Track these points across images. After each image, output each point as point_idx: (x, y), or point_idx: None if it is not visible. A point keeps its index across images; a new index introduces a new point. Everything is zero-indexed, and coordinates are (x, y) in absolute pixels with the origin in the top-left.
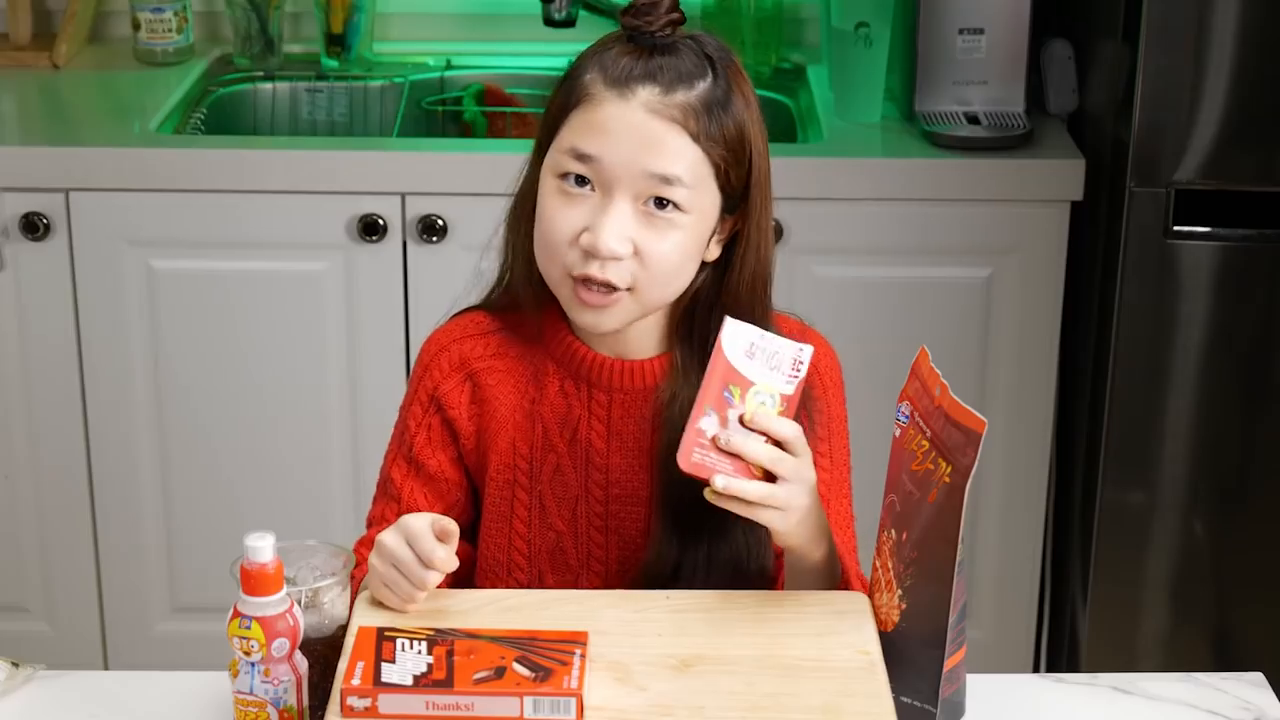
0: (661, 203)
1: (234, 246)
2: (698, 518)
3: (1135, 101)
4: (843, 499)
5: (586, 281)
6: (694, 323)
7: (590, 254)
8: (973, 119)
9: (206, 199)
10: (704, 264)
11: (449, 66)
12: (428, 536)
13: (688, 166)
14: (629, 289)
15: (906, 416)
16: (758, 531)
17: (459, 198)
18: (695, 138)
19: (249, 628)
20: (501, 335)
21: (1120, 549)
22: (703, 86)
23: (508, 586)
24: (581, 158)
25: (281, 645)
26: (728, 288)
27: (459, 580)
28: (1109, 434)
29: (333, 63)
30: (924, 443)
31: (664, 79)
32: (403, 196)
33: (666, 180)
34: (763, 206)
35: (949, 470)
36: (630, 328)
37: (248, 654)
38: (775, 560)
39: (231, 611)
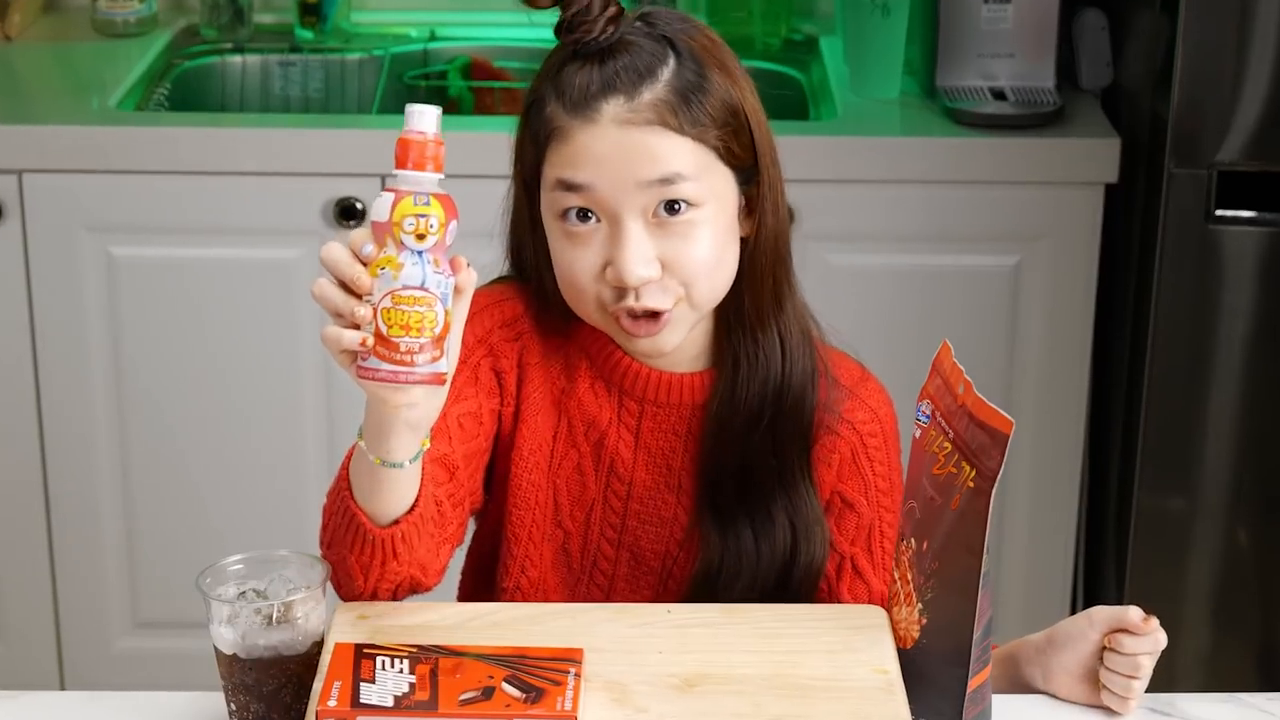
0: (672, 207)
1: (200, 232)
2: (740, 512)
3: (1174, 75)
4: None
5: (630, 313)
6: (742, 323)
7: (620, 288)
8: (999, 95)
9: (171, 181)
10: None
11: (433, 38)
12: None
13: (684, 161)
14: (677, 302)
15: (927, 416)
16: (806, 525)
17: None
18: (680, 130)
19: (427, 203)
20: (541, 313)
21: (1158, 558)
22: (667, 74)
23: (509, 577)
24: (572, 188)
25: (454, 230)
26: (749, 252)
27: (477, 567)
28: (1146, 434)
29: (307, 34)
30: (946, 444)
31: (624, 83)
32: (382, 178)
33: (667, 181)
34: (771, 162)
35: (973, 474)
36: None
37: (421, 237)
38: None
39: (391, 195)
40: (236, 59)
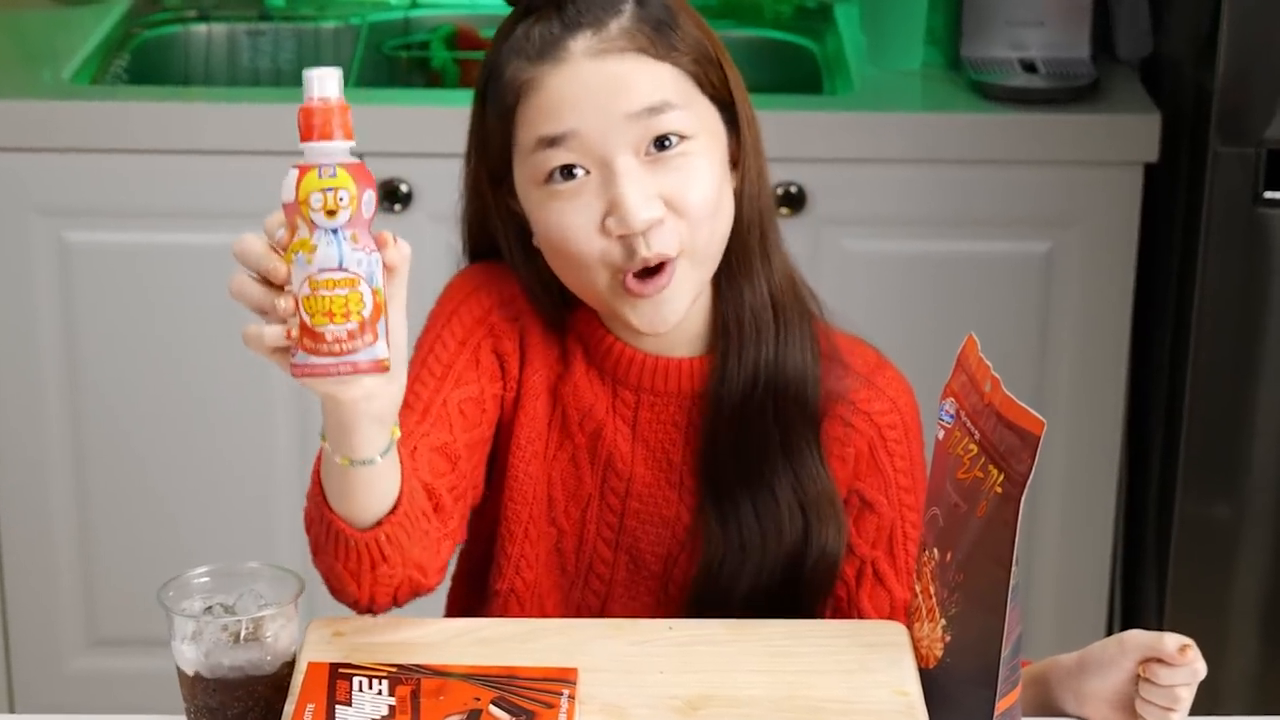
0: (663, 142)
1: (162, 216)
2: (742, 495)
3: (1220, 44)
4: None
5: (639, 271)
6: (733, 285)
7: (627, 238)
8: (1029, 66)
9: (130, 161)
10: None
11: (414, 5)
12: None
13: (668, 88)
14: (681, 251)
15: (951, 416)
16: (816, 505)
17: (426, 159)
18: (657, 56)
19: (334, 175)
20: (533, 296)
21: (1202, 570)
22: (630, 5)
23: (503, 579)
24: (554, 142)
25: (371, 200)
26: (737, 203)
27: (472, 566)
28: (1188, 435)
29: (278, 1)
30: (972, 446)
31: (588, 20)
32: (360, 157)
33: (655, 110)
34: (744, 100)
35: (1001, 479)
36: None
37: (332, 213)
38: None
39: (295, 172)
40: (201, 28)
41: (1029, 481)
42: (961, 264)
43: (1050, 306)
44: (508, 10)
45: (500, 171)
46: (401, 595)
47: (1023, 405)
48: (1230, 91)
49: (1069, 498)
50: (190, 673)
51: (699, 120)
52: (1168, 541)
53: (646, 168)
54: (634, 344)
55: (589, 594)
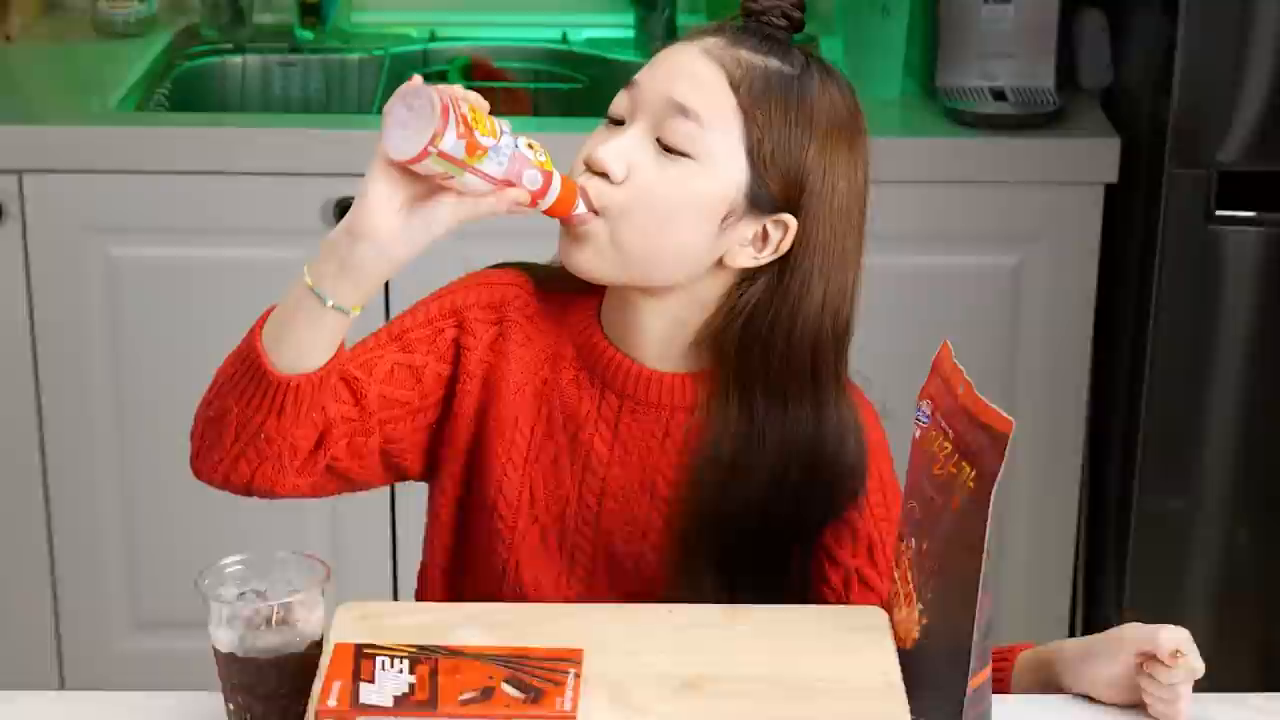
0: (669, 150)
1: (201, 233)
2: (738, 561)
3: (1174, 76)
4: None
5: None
6: (734, 347)
7: (587, 169)
8: (999, 95)
9: (171, 181)
10: (746, 280)
11: (433, 38)
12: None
13: (710, 106)
14: (602, 211)
15: (927, 416)
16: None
17: None
18: (735, 88)
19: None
20: (537, 301)
21: (1159, 559)
22: (778, 65)
23: (488, 566)
24: (627, 86)
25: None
26: (772, 323)
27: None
28: (1146, 435)
29: (307, 34)
30: (946, 444)
31: (737, 40)
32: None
33: (682, 110)
34: (829, 233)
35: (973, 474)
36: (643, 323)
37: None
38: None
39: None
40: (236, 59)
41: (999, 477)
42: (937, 276)
43: (1019, 316)
44: (517, 44)
45: None
46: (258, 479)
47: (993, 406)
48: (1184, 118)
49: (1035, 492)
50: (226, 653)
51: (710, 149)
52: (1127, 533)
53: (644, 143)
54: (627, 353)
55: (575, 582)
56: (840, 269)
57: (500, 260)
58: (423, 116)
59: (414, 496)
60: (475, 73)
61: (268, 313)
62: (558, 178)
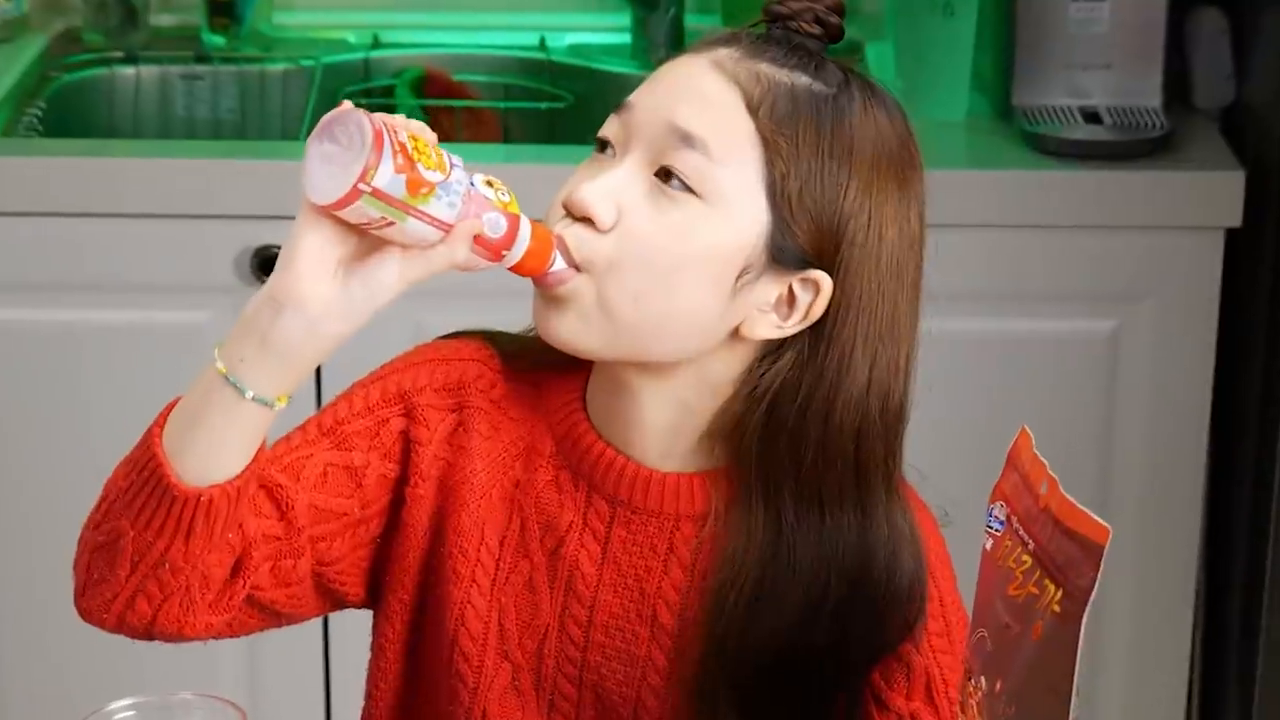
0: (669, 177)
1: (84, 290)
2: (760, 709)
3: None
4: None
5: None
6: (755, 439)
7: (567, 214)
8: (1092, 116)
9: (46, 225)
10: (770, 355)
11: (376, 44)
12: None
13: (722, 133)
14: (585, 267)
15: (1001, 523)
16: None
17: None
18: (753, 111)
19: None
20: (505, 382)
21: None
22: (808, 82)
23: (447, 713)
24: (619, 109)
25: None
26: (803, 409)
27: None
28: (1278, 538)
29: (218, 39)
30: (1025, 558)
31: (758, 52)
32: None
33: (687, 139)
34: (875, 294)
35: (1059, 595)
36: (640, 410)
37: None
38: None
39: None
40: (129, 70)
41: (1091, 598)
42: (1013, 344)
43: (1116, 394)
44: (481, 50)
45: None
46: (162, 620)
47: (1084, 510)
48: None
49: (1138, 616)
50: None
51: (719, 186)
52: (1253, 664)
53: (638, 180)
54: (620, 448)
55: None
56: (890, 339)
57: (459, 328)
58: (351, 148)
59: (354, 623)
60: (430, 88)
61: (169, 407)
62: (526, 224)
